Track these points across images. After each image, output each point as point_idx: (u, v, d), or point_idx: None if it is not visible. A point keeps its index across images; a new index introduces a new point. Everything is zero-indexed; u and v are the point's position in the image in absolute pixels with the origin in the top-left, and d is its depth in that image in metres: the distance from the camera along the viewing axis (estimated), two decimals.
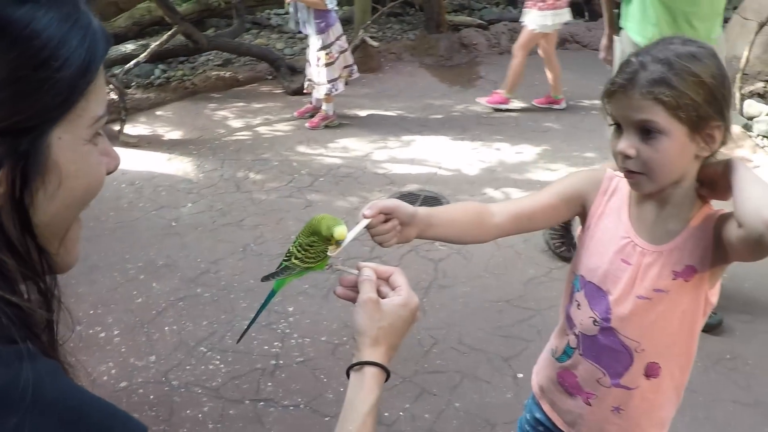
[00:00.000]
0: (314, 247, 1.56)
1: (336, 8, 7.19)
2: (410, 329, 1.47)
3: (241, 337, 2.02)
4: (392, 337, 1.43)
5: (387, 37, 10.64)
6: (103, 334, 4.17)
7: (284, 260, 1.63)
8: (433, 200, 5.73)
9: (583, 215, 1.96)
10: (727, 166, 1.63)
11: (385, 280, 1.49)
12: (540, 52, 7.76)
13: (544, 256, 4.98)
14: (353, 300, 1.45)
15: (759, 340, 4.12)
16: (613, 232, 1.86)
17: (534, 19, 7.47)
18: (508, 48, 10.13)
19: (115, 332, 4.19)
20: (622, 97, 1.67)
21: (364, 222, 1.60)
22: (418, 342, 4.08)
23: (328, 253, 1.56)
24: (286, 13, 9.76)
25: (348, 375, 1.41)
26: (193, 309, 4.39)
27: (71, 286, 4.55)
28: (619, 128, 1.72)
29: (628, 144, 1.67)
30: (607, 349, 1.89)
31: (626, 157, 1.68)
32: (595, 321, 1.90)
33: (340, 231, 1.52)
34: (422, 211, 1.75)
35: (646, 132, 1.64)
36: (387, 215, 1.64)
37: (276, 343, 4.07)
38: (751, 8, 8.21)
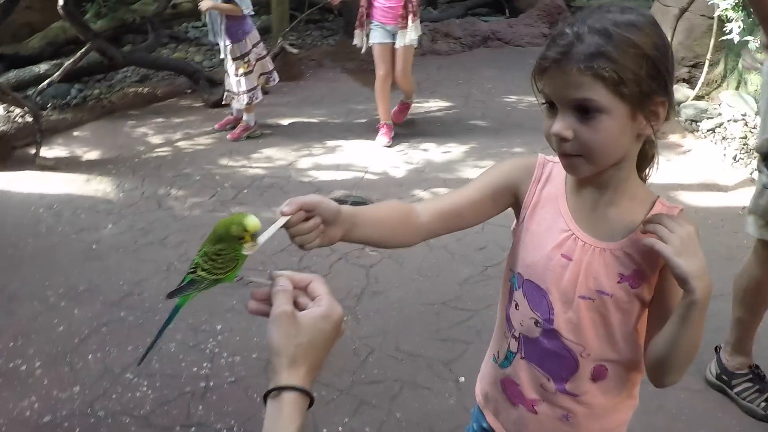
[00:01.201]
0: (222, 255, 1.41)
1: (251, 13, 7.01)
2: (334, 343, 1.33)
3: (142, 359, 1.87)
4: (313, 354, 1.27)
5: (307, 44, 10.53)
6: (24, 367, 3.95)
7: (189, 272, 1.48)
8: (361, 204, 5.58)
9: (517, 206, 1.81)
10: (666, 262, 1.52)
11: (303, 289, 1.36)
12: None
13: (479, 255, 4.90)
14: (267, 315, 1.31)
15: (705, 325, 4.06)
16: (551, 224, 1.71)
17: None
18: (429, 48, 10.14)
19: (37, 364, 3.97)
20: (557, 74, 1.49)
21: (283, 220, 1.43)
22: (353, 352, 3.96)
23: (244, 251, 1.40)
24: (204, 25, 9.60)
25: (265, 401, 1.25)
26: (117, 334, 4.20)
27: None
28: (552, 107, 1.55)
29: (563, 125, 1.50)
30: (550, 353, 1.75)
31: (562, 139, 1.52)
32: (536, 322, 1.75)
33: (252, 222, 1.37)
34: (347, 209, 1.58)
35: (584, 111, 1.47)
36: (308, 212, 1.47)
37: (205, 364, 3.91)
38: None
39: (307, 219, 1.47)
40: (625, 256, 1.62)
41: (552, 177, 1.76)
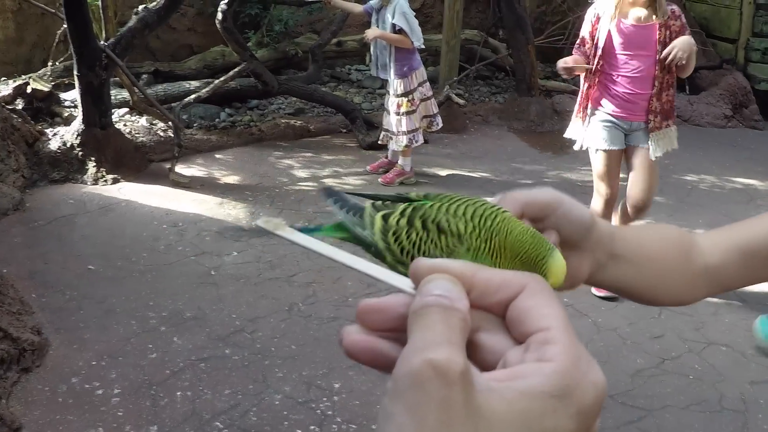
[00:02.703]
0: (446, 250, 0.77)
1: (422, 46, 6.38)
2: None
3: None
4: None
5: (474, 98, 9.90)
6: (100, 392, 3.42)
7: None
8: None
9: None
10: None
11: (500, 309, 0.53)
12: None
13: (654, 344, 4.07)
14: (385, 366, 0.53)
15: None
16: None
17: None
18: None
19: (116, 391, 3.42)
20: None
21: None
22: None
23: None
24: (368, 64, 9.12)
25: None
26: (216, 373, 3.58)
27: (78, 330, 3.86)
28: None
29: None
30: None
31: None
32: None
33: (559, 268, 0.77)
34: (604, 225, 0.91)
35: None
36: (537, 219, 0.85)
37: (313, 428, 3.21)
38: None
39: None
40: None
41: None
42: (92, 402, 3.34)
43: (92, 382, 3.47)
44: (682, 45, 4.14)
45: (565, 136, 4.89)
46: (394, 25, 6.17)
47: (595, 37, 4.44)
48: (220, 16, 6.99)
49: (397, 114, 6.43)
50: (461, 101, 8.30)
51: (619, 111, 4.45)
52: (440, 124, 6.82)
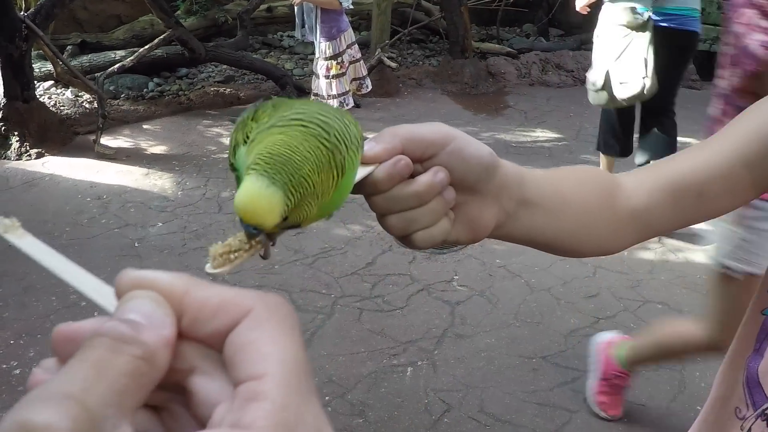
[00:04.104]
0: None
1: (350, 6, 6.26)
2: None
3: None
4: None
5: (407, 62, 9.80)
6: (17, 371, 3.29)
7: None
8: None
9: None
10: None
11: (219, 341, 0.38)
12: None
13: (589, 303, 4.02)
14: None
15: None
16: None
17: None
18: (539, 78, 9.36)
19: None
20: None
21: (365, 170, 0.70)
22: (425, 407, 3.11)
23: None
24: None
25: None
26: None
27: None
28: None
29: None
30: None
31: None
32: None
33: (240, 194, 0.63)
34: (510, 167, 0.79)
35: None
36: (422, 159, 0.73)
37: None
38: None
39: (413, 176, 0.72)
40: None
41: None
42: (9, 382, 3.22)
43: (9, 362, 3.35)
44: None
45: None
46: None
47: None
48: None
49: (327, 77, 6.31)
50: (393, 64, 8.19)
51: None
52: (369, 87, 6.72)
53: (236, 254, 0.65)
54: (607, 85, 4.81)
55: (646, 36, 4.69)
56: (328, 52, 6.24)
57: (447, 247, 3.78)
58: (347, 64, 6.32)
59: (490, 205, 0.76)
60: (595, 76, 4.88)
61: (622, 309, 3.98)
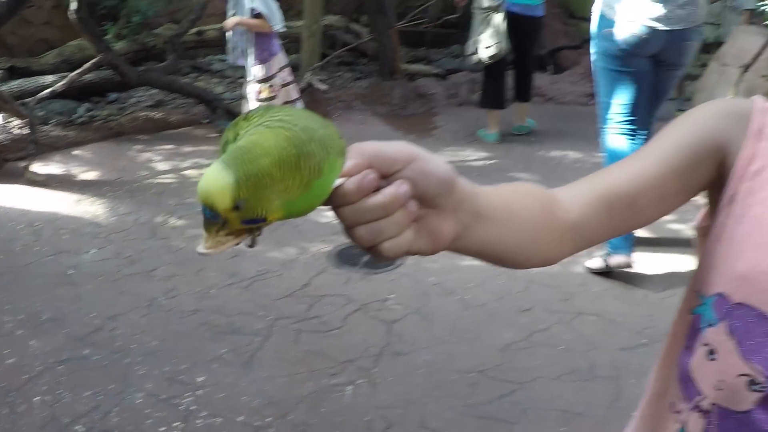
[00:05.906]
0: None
1: (283, 29, 6.30)
2: None
3: None
4: None
5: (337, 84, 9.85)
6: None
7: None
8: None
9: (720, 181, 0.98)
10: None
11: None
12: None
13: (523, 318, 4.09)
14: None
15: None
16: None
17: None
18: (467, 99, 9.46)
19: None
20: None
21: (337, 182, 0.75)
22: (366, 425, 3.15)
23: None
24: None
25: None
26: (75, 375, 3.42)
27: None
28: None
29: None
30: None
31: None
32: (752, 381, 0.92)
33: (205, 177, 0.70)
34: (466, 183, 0.83)
35: None
36: (386, 176, 0.77)
37: (177, 423, 3.10)
38: (730, 54, 7.67)
39: (377, 190, 0.76)
40: None
41: None
42: None
43: None
44: None
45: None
46: (252, 10, 6.07)
47: None
48: (74, 5, 6.72)
49: (257, 100, 6.34)
50: (323, 86, 8.25)
51: None
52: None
53: (225, 238, 0.71)
54: (477, 51, 7.16)
55: (500, 15, 7.01)
56: (260, 74, 6.27)
57: (384, 264, 3.87)
58: (278, 88, 6.35)
59: (449, 218, 0.80)
60: (470, 46, 7.26)
61: (556, 322, 4.06)
